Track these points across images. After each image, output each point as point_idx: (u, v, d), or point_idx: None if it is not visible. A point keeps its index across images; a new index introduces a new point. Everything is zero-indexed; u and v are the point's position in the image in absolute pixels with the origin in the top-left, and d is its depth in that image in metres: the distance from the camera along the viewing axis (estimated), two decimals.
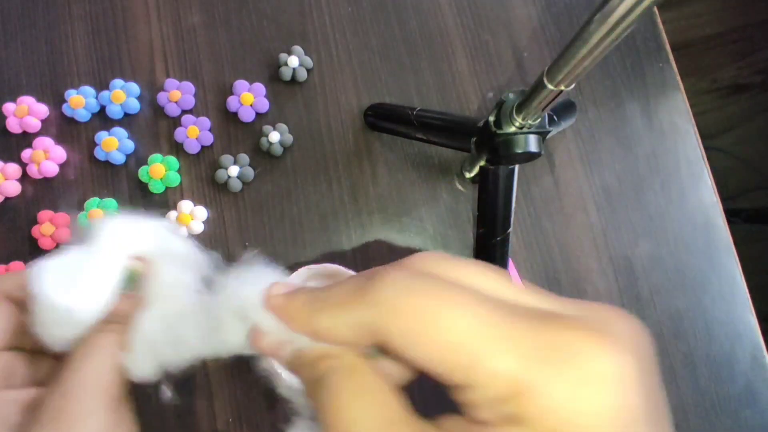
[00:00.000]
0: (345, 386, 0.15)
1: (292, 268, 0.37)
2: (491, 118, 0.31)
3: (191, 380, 0.39)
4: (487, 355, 0.13)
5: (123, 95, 0.41)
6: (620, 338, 0.14)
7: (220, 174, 0.40)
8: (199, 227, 0.40)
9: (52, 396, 0.21)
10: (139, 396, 0.39)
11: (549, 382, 0.13)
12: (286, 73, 0.42)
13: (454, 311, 0.14)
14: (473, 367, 0.14)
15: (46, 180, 0.41)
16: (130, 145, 0.41)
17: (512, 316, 0.14)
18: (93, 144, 0.41)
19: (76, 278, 0.22)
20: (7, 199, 0.41)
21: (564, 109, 0.39)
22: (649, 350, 0.14)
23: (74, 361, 0.21)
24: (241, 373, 0.39)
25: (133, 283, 0.23)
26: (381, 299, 0.15)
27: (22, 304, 0.23)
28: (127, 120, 0.42)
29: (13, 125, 0.41)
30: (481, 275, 0.16)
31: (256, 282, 0.21)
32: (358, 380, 0.16)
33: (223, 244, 0.40)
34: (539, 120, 0.30)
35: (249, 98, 0.41)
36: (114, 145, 0.40)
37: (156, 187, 0.40)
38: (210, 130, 0.41)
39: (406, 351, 0.15)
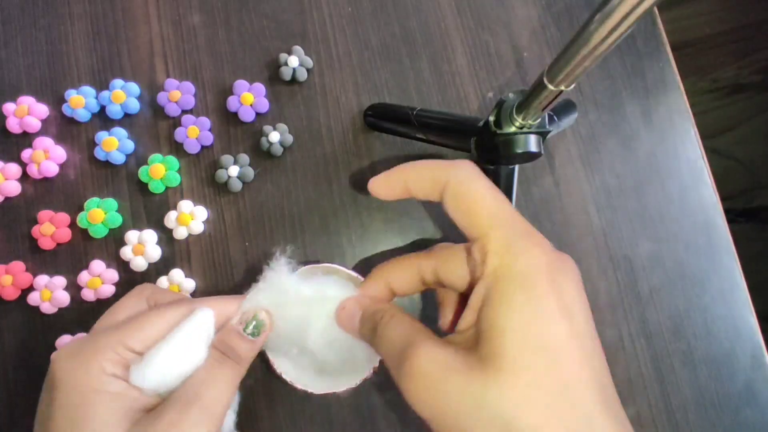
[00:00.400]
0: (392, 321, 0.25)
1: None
2: (491, 118, 0.31)
3: None
4: (487, 225, 0.23)
5: (123, 95, 0.41)
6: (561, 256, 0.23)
7: (220, 174, 0.40)
8: (199, 227, 0.40)
9: (168, 408, 0.25)
10: None
11: (511, 246, 0.22)
12: (286, 73, 0.42)
13: (486, 192, 0.24)
14: (480, 230, 0.23)
15: (46, 180, 0.41)
16: (130, 145, 0.41)
17: (511, 213, 0.24)
18: (93, 144, 0.41)
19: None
20: (7, 199, 0.41)
21: (564, 109, 0.39)
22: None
23: (195, 385, 0.26)
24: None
25: (259, 330, 0.29)
26: (453, 174, 0.25)
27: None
28: (127, 120, 0.42)
29: (13, 125, 0.41)
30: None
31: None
32: (396, 313, 0.25)
33: (223, 244, 0.40)
34: (539, 120, 0.30)
35: (249, 98, 0.41)
36: (114, 145, 0.40)
37: (156, 187, 0.40)
38: (210, 130, 0.41)
39: (454, 203, 0.24)
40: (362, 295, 0.28)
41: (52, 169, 0.40)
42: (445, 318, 0.27)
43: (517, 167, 0.37)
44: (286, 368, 0.35)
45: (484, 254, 0.22)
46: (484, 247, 0.23)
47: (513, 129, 0.30)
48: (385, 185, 0.27)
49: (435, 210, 0.42)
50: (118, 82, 0.42)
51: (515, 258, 0.22)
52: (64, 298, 0.39)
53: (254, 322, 0.29)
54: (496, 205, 0.24)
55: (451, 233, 0.42)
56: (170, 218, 0.40)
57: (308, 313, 0.29)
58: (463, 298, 0.26)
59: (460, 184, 0.24)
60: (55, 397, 0.24)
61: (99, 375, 0.25)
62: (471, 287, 0.24)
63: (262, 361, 0.34)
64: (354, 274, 0.33)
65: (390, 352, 0.23)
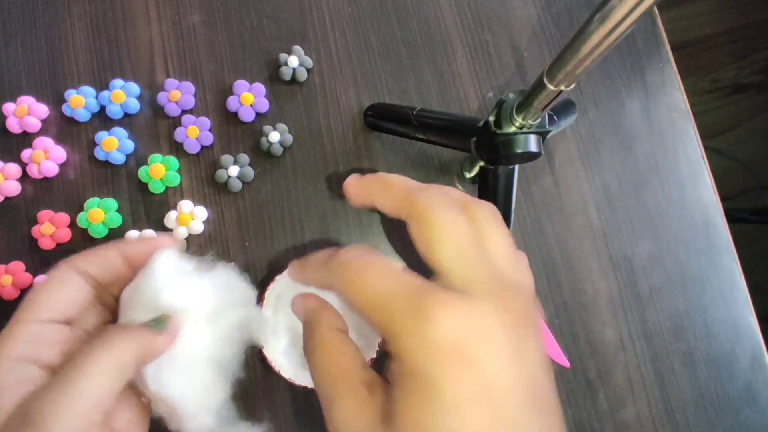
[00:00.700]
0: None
1: None
2: (491, 118, 0.31)
3: None
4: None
5: (123, 95, 0.41)
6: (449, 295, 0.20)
7: (220, 174, 0.40)
8: (199, 227, 0.40)
9: (45, 396, 0.21)
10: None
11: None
12: (286, 73, 0.42)
13: (444, 231, 0.21)
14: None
15: (46, 180, 0.41)
16: (130, 145, 0.41)
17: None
18: (93, 144, 0.41)
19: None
20: (7, 199, 0.41)
21: (564, 109, 0.39)
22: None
23: (76, 367, 0.22)
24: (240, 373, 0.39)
25: (161, 324, 0.25)
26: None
27: (100, 283, 0.26)
28: (127, 120, 0.42)
29: (13, 125, 0.41)
30: None
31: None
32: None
33: (223, 244, 0.40)
34: (539, 120, 0.30)
35: (249, 98, 0.41)
36: (114, 145, 0.40)
37: (156, 187, 0.40)
38: (210, 130, 0.41)
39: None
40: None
41: (52, 169, 0.40)
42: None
43: (517, 167, 0.37)
44: (283, 364, 0.35)
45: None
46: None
47: (513, 129, 0.30)
48: (354, 191, 0.26)
49: None
50: (118, 82, 0.41)
51: (412, 344, 0.19)
52: None
53: (162, 319, 0.26)
54: (453, 248, 0.21)
55: None
56: (170, 218, 0.40)
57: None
58: None
59: (423, 218, 0.22)
60: None
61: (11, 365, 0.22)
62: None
63: (260, 360, 0.34)
64: None
65: (317, 383, 0.22)
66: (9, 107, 0.41)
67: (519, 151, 0.31)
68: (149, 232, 0.40)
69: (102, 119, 0.42)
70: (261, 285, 0.36)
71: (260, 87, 0.42)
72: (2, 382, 0.21)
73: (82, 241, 0.40)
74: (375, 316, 0.20)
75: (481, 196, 0.38)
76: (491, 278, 0.21)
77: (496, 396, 0.18)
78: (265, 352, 0.34)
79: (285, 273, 0.36)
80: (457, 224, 0.21)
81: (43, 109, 0.41)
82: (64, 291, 0.24)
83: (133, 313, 0.25)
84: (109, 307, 0.27)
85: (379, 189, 0.25)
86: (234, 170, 0.40)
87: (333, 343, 0.23)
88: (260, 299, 0.36)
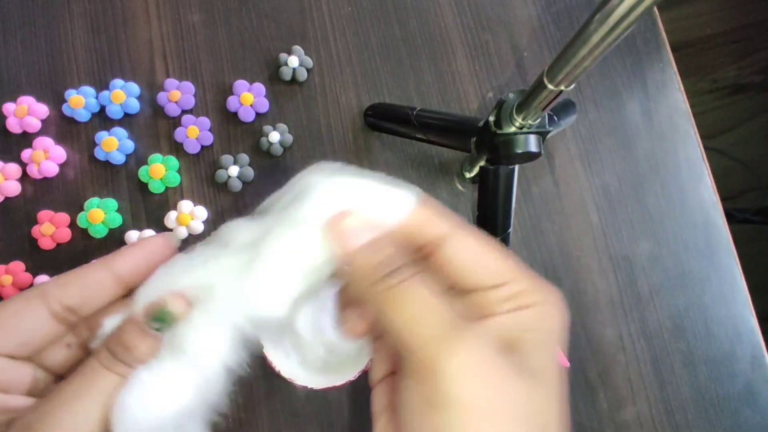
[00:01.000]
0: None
1: None
2: (491, 118, 0.31)
3: None
4: (510, 272, 0.21)
5: (123, 95, 0.41)
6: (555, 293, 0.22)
7: (220, 174, 0.40)
8: (199, 227, 0.40)
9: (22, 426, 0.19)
10: None
11: (538, 290, 0.21)
12: (286, 73, 0.42)
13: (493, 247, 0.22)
14: (503, 276, 0.21)
15: (46, 180, 0.41)
16: (130, 145, 0.41)
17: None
18: (93, 144, 0.41)
19: None
20: (7, 199, 0.41)
21: (564, 109, 0.39)
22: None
23: (61, 399, 0.20)
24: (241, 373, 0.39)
25: (166, 325, 0.21)
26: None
27: (67, 314, 0.22)
28: (127, 120, 0.42)
29: (13, 125, 0.41)
30: None
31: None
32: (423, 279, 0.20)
33: None
34: (539, 120, 0.30)
35: (249, 98, 0.41)
36: (114, 145, 0.40)
37: (156, 187, 0.40)
38: (210, 130, 0.41)
39: (464, 268, 0.21)
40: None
41: (52, 169, 0.40)
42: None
43: (517, 167, 0.37)
44: (283, 364, 0.34)
45: (518, 292, 0.21)
46: (517, 285, 0.21)
47: (513, 129, 0.30)
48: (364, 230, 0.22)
49: None
50: (118, 82, 0.42)
51: (551, 303, 0.21)
52: None
53: (160, 314, 0.21)
54: (501, 255, 0.22)
55: None
56: (170, 218, 0.40)
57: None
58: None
59: (465, 237, 0.22)
60: None
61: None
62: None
63: (260, 359, 0.34)
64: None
65: (417, 319, 0.19)
66: (9, 107, 0.41)
67: (519, 151, 0.31)
68: (149, 233, 0.40)
69: (102, 119, 0.42)
70: None
71: (260, 87, 0.42)
72: None
73: (82, 241, 0.40)
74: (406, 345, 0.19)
75: (481, 196, 0.38)
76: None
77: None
78: (266, 351, 0.34)
79: None
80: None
81: (43, 109, 0.41)
82: (17, 324, 0.21)
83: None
84: (84, 340, 0.23)
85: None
86: (234, 170, 0.40)
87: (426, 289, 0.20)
88: None
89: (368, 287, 0.20)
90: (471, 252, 0.21)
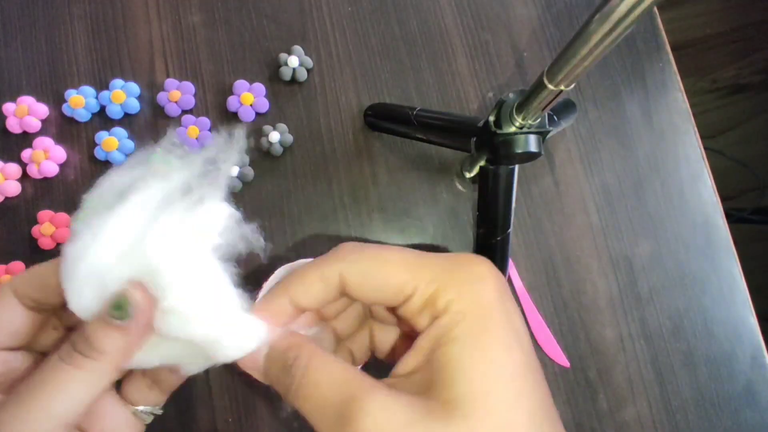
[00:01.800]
0: (314, 359, 0.20)
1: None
2: (491, 118, 0.31)
3: (191, 380, 0.39)
4: (411, 279, 0.20)
5: (123, 95, 0.41)
6: (486, 261, 0.21)
7: None
8: None
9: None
10: None
11: (450, 284, 0.20)
12: (286, 73, 0.42)
13: (390, 257, 0.21)
14: (404, 288, 0.20)
15: (46, 180, 0.41)
16: (130, 145, 0.41)
17: (423, 258, 0.21)
18: (93, 144, 0.41)
19: None
20: (7, 199, 0.41)
21: (564, 109, 0.39)
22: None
23: (20, 397, 0.19)
24: (241, 373, 0.39)
25: (125, 313, 0.20)
26: (343, 256, 0.21)
27: (38, 304, 0.23)
28: (127, 120, 0.42)
29: (13, 125, 0.41)
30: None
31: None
32: (320, 354, 0.20)
33: None
34: (539, 120, 0.30)
35: (249, 98, 0.41)
36: (114, 145, 0.40)
37: None
38: (210, 130, 0.41)
39: (361, 289, 0.21)
40: (261, 316, 0.22)
41: (52, 169, 0.40)
42: (381, 352, 0.24)
43: (517, 167, 0.37)
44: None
45: (432, 298, 0.20)
46: (425, 293, 0.20)
47: (513, 129, 0.30)
48: (266, 310, 0.22)
49: (435, 210, 0.42)
50: (118, 82, 0.41)
51: (473, 293, 0.20)
52: None
53: (119, 303, 0.20)
54: (413, 254, 0.21)
55: (452, 233, 0.42)
56: None
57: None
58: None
59: (355, 263, 0.21)
60: None
61: None
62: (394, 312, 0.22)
63: None
64: None
65: (319, 411, 0.19)
66: (9, 107, 0.41)
67: (519, 151, 0.31)
68: None
69: (102, 119, 0.42)
70: (259, 284, 0.36)
71: (260, 87, 0.42)
72: None
73: None
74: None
75: (481, 196, 0.38)
76: None
77: (525, 343, 0.20)
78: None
79: (280, 269, 0.35)
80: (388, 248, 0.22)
81: (43, 109, 0.41)
82: None
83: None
84: (69, 322, 0.24)
85: (299, 287, 0.22)
86: (234, 170, 0.40)
87: (328, 358, 0.20)
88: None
89: (287, 399, 0.20)
90: (363, 277, 0.21)
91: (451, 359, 0.19)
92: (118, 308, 0.20)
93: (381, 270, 0.21)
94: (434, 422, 0.17)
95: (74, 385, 0.20)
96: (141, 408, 0.25)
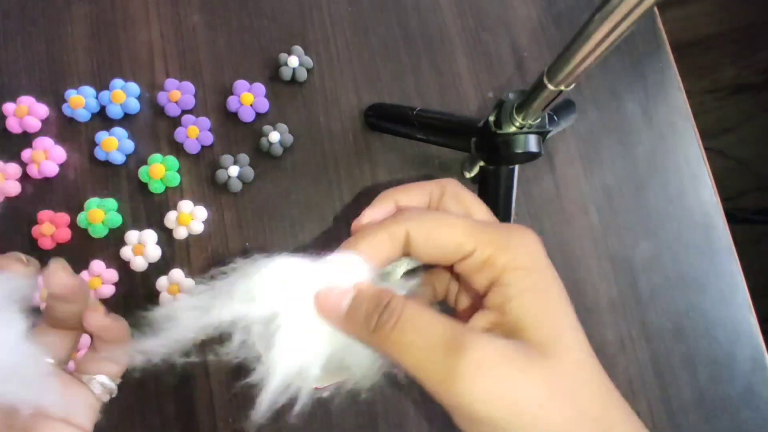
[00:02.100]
0: (407, 311, 0.21)
1: None
2: (491, 118, 0.31)
3: (192, 380, 0.39)
4: (472, 240, 0.22)
5: (123, 95, 0.41)
6: (531, 230, 0.23)
7: (220, 174, 0.40)
8: (199, 227, 0.40)
9: None
10: (139, 394, 0.39)
11: (506, 247, 0.22)
12: (286, 73, 0.42)
13: (453, 220, 0.23)
14: (465, 247, 0.22)
15: (46, 180, 0.41)
16: (130, 145, 0.41)
17: (480, 223, 0.23)
18: (93, 144, 0.41)
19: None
20: (7, 199, 0.41)
21: (564, 109, 0.39)
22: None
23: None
24: (241, 374, 0.39)
25: None
26: (410, 216, 0.23)
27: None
28: (127, 120, 0.42)
29: (13, 125, 0.41)
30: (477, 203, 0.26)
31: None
32: (411, 300, 0.21)
33: (223, 244, 0.40)
34: (539, 120, 0.30)
35: (249, 98, 0.41)
36: (114, 145, 0.40)
37: (156, 187, 0.40)
38: (210, 130, 0.41)
39: (425, 247, 0.23)
40: (359, 235, 0.24)
41: (52, 169, 0.40)
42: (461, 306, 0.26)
43: (517, 167, 0.37)
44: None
45: (487, 257, 0.22)
46: (483, 253, 0.22)
47: (513, 129, 0.30)
48: (372, 214, 0.25)
49: None
50: (118, 82, 0.41)
51: (523, 251, 0.22)
52: None
53: None
54: (486, 210, 0.25)
55: None
56: (170, 218, 0.40)
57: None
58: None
59: (458, 187, 0.25)
60: None
61: None
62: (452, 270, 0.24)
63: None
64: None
65: (420, 349, 0.20)
66: (9, 107, 0.41)
67: (519, 151, 0.31)
68: (149, 233, 0.40)
69: (102, 119, 0.42)
70: None
71: (260, 87, 0.42)
72: None
73: (82, 240, 0.40)
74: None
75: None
76: None
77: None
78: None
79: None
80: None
81: (43, 109, 0.41)
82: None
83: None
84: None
85: (403, 193, 0.25)
86: (234, 170, 0.40)
87: (422, 306, 0.21)
88: None
89: (369, 340, 0.21)
90: (427, 236, 0.23)
91: (527, 309, 0.21)
92: None
93: (445, 230, 0.23)
94: (532, 357, 0.20)
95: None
96: (97, 377, 0.26)
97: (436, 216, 0.23)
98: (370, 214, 0.25)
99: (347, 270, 0.23)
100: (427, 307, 0.21)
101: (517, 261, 0.22)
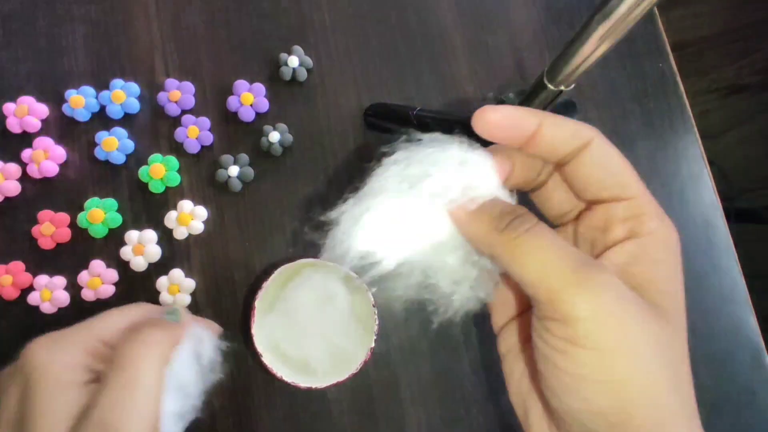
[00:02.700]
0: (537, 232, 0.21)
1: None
2: None
3: None
4: (637, 187, 0.23)
5: (123, 95, 0.41)
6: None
7: (220, 174, 0.40)
8: (199, 227, 0.40)
9: (99, 407, 0.24)
10: None
11: (654, 214, 0.23)
12: (286, 73, 0.42)
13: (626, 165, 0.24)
14: (629, 189, 0.23)
15: (46, 180, 0.41)
16: (130, 145, 0.41)
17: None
18: (93, 144, 0.41)
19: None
20: (7, 199, 0.41)
21: (564, 109, 0.39)
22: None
23: (125, 369, 0.25)
24: (241, 374, 0.39)
25: (175, 317, 0.29)
26: (598, 133, 0.24)
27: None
28: (127, 120, 0.42)
29: (13, 125, 0.41)
30: None
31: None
32: (543, 223, 0.21)
33: (223, 244, 0.40)
34: None
35: (249, 98, 0.41)
36: (114, 145, 0.40)
37: (156, 187, 0.40)
38: (210, 130, 0.41)
39: (604, 159, 0.24)
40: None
41: (52, 169, 0.40)
42: None
43: None
44: (282, 369, 0.35)
45: (639, 214, 0.23)
46: (640, 207, 0.23)
47: None
48: (508, 119, 0.23)
49: None
50: (118, 82, 0.42)
51: (669, 228, 0.23)
52: (64, 298, 0.39)
53: (172, 311, 0.30)
54: (634, 172, 0.24)
55: None
56: (170, 218, 0.40)
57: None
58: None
59: (607, 142, 0.24)
60: (32, 385, 0.25)
61: (75, 365, 0.26)
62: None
63: (257, 362, 0.34)
64: (345, 270, 0.33)
65: (547, 265, 0.20)
66: (9, 107, 0.41)
67: None
68: (149, 233, 0.40)
69: (102, 119, 0.42)
70: (257, 284, 0.36)
71: (260, 87, 0.42)
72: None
73: (82, 240, 0.40)
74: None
75: None
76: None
77: None
78: (264, 360, 0.35)
79: (281, 269, 0.36)
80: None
81: (43, 109, 0.41)
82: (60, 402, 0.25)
83: None
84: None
85: (551, 121, 0.24)
86: (234, 170, 0.40)
87: (551, 230, 0.21)
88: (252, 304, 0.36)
89: (494, 239, 0.21)
90: (605, 159, 0.23)
91: (658, 278, 0.21)
92: (170, 314, 0.30)
93: (621, 166, 0.23)
94: (655, 314, 0.20)
95: (155, 362, 0.26)
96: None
97: (617, 153, 0.24)
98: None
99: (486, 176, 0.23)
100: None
101: (661, 232, 0.22)
